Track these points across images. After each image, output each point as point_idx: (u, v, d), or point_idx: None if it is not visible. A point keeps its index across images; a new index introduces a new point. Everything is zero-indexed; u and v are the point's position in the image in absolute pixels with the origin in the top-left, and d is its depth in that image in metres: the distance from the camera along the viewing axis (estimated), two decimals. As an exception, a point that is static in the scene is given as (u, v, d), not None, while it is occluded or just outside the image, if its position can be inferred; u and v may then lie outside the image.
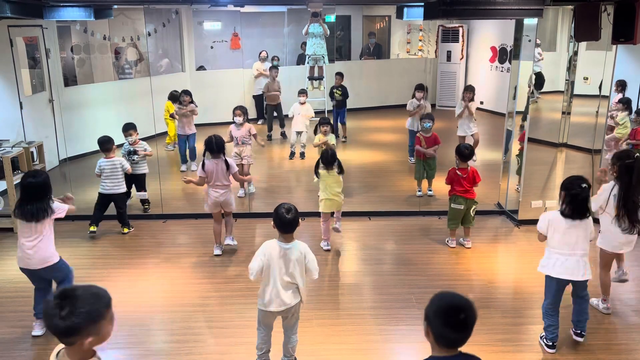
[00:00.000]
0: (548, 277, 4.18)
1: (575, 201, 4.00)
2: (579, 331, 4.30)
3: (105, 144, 6.40)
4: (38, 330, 4.47)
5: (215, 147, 5.63)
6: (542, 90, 9.69)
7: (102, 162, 6.42)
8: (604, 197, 4.55)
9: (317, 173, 5.89)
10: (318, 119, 7.64)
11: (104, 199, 6.47)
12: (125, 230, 6.53)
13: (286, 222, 3.63)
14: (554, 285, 4.15)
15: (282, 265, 3.65)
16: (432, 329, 2.19)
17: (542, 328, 4.40)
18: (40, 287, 4.50)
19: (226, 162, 5.69)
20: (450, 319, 2.15)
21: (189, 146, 8.90)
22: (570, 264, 4.08)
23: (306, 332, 4.40)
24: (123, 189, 6.51)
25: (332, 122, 7.71)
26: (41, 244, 4.31)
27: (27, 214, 4.24)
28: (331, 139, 7.31)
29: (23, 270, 4.45)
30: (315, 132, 7.53)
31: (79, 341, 2.01)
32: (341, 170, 5.89)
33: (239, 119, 7.35)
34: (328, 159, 5.80)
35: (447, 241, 6.16)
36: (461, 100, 8.63)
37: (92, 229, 6.39)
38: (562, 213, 4.07)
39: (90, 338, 2.01)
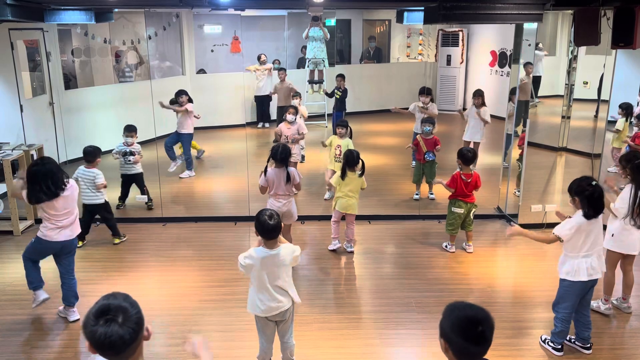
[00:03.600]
0: (572, 282, 4.11)
1: (593, 200, 3.99)
2: (589, 345, 4.26)
3: (90, 155, 6.05)
4: (75, 315, 4.76)
5: (279, 156, 5.46)
6: (542, 95, 9.70)
7: (79, 171, 6.06)
8: (628, 200, 4.52)
9: (343, 175, 5.83)
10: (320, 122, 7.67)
11: (87, 210, 6.21)
12: (117, 240, 6.34)
13: (269, 229, 3.59)
14: (578, 289, 4.10)
15: (270, 271, 3.63)
16: (452, 346, 2.10)
17: (542, 332, 4.41)
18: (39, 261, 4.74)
19: (288, 173, 5.49)
20: (470, 333, 2.06)
21: (184, 152, 8.74)
22: (594, 262, 4.10)
23: (305, 336, 4.39)
24: (101, 199, 6.15)
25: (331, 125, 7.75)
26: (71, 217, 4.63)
27: (44, 195, 4.42)
28: (346, 142, 7.27)
29: (49, 243, 4.57)
30: (334, 133, 7.58)
31: (140, 346, 1.97)
32: (362, 173, 5.86)
33: (291, 117, 7.60)
34: (354, 159, 5.79)
35: (446, 246, 6.15)
36: (472, 105, 8.50)
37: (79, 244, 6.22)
38: (586, 215, 4.03)
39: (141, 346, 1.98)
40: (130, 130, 7.06)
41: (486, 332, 2.07)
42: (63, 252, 4.67)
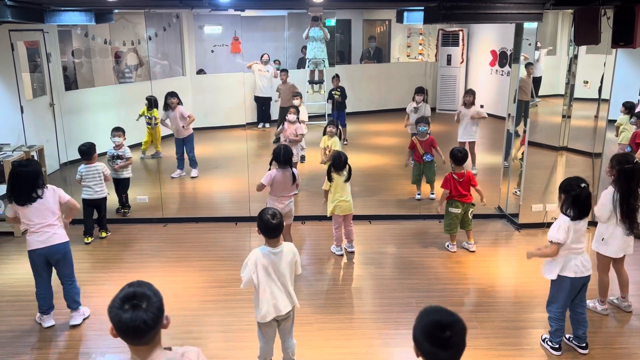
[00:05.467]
0: (562, 280, 4.11)
1: (578, 201, 4.00)
2: (584, 344, 4.26)
3: (86, 154, 6.23)
4: (51, 321, 4.73)
5: (282, 158, 5.46)
6: (543, 94, 9.68)
7: (82, 169, 6.25)
8: (609, 205, 4.54)
9: (330, 177, 5.81)
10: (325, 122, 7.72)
11: (88, 205, 6.35)
12: (104, 234, 6.47)
13: (272, 227, 3.61)
14: (568, 287, 4.11)
15: (275, 271, 3.64)
16: (421, 351, 2.10)
17: (542, 332, 4.40)
18: (46, 276, 4.64)
19: (293, 174, 5.54)
20: (435, 338, 2.05)
21: (188, 153, 8.69)
22: (585, 260, 4.11)
23: (306, 336, 4.40)
24: (105, 193, 6.39)
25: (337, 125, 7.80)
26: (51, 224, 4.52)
27: (22, 199, 4.42)
28: (335, 142, 7.32)
29: (35, 252, 4.52)
30: (324, 133, 7.64)
31: (158, 333, 2.07)
32: (348, 178, 5.80)
33: (292, 117, 7.70)
34: (341, 163, 5.73)
35: (448, 246, 6.15)
36: (461, 105, 8.58)
37: (87, 240, 6.35)
38: (568, 216, 4.04)
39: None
40: (116, 130, 6.96)
41: (453, 338, 2.04)
42: (54, 260, 4.60)
